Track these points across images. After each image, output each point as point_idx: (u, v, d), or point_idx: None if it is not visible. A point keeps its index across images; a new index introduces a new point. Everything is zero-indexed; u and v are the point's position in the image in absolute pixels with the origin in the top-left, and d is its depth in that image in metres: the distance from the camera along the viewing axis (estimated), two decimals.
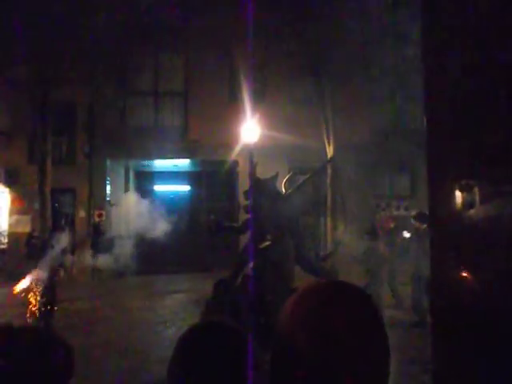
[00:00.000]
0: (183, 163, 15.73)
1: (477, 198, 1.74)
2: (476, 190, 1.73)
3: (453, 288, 1.72)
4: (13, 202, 14.57)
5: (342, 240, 10.02)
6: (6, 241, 14.63)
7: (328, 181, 11.07)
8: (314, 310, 0.82)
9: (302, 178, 7.45)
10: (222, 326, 1.14)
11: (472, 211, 1.72)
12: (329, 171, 10.95)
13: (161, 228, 13.43)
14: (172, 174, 16.31)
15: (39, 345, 1.16)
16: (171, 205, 15.95)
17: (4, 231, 14.88)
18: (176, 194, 16.97)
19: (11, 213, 14.59)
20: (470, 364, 1.70)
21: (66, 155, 14.69)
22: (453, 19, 1.65)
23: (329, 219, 11.15)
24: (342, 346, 0.78)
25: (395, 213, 13.84)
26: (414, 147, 12.04)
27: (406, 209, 13.88)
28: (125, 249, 14.20)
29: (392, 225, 12.08)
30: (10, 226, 14.57)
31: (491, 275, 1.69)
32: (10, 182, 14.41)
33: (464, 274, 1.74)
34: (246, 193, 7.03)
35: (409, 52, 9.59)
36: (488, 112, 1.65)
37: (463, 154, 1.74)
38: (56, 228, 12.92)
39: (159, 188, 17.54)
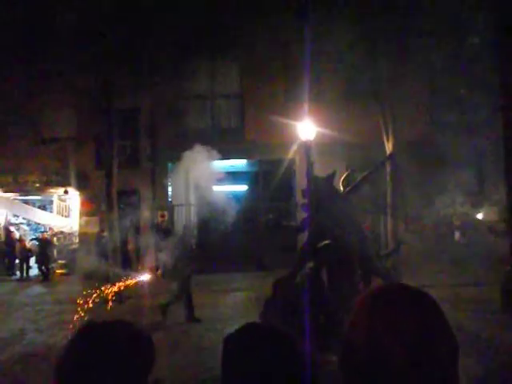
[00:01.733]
0: (241, 163, 15.94)
1: None
2: None
3: None
4: (82, 204, 15.45)
5: (403, 239, 9.72)
6: (77, 240, 15.54)
7: (388, 178, 10.79)
8: (377, 314, 0.84)
9: (360, 176, 7.31)
10: (267, 330, 1.14)
11: None
12: (388, 168, 10.65)
13: (221, 227, 13.74)
14: (230, 174, 16.56)
15: (129, 337, 1.20)
16: (229, 205, 16.24)
17: (75, 231, 15.81)
18: (234, 194, 17.22)
19: (81, 214, 15.47)
20: None
21: (130, 159, 15.35)
22: None
23: (389, 217, 10.84)
24: (404, 346, 0.79)
25: (460, 209, 13.22)
26: (481, 141, 11.45)
27: (473, 205, 13.22)
28: (186, 248, 14.64)
29: (457, 222, 11.59)
30: (81, 226, 15.45)
31: None
32: (80, 186, 15.27)
33: None
34: (303, 191, 7.01)
35: (473, 39, 9.13)
36: None
37: None
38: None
39: (218, 188, 17.87)
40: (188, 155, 13.97)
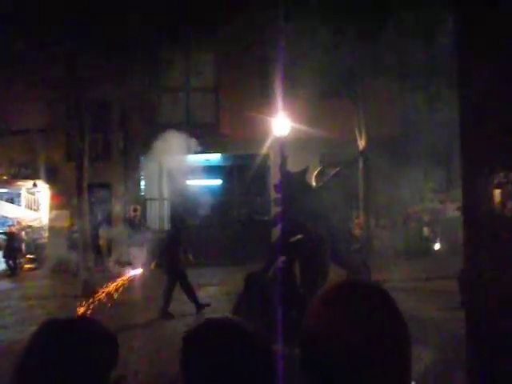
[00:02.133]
0: (215, 158, 15.89)
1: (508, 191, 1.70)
2: (510, 183, 1.70)
3: (486, 285, 1.69)
4: (52, 197, 15.12)
5: (373, 233, 9.90)
6: (47, 235, 15.21)
7: (360, 174, 10.95)
8: (334, 308, 0.86)
9: (332, 172, 7.40)
10: (226, 326, 1.13)
11: (507, 205, 1.69)
12: (360, 164, 10.81)
13: (193, 222, 13.66)
14: (204, 168, 16.50)
15: (92, 335, 1.19)
16: (203, 199, 16.20)
17: (45, 225, 15.47)
18: (208, 188, 17.16)
19: (51, 208, 15.15)
20: (505, 363, 1.68)
21: (102, 152, 15.09)
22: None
23: (361, 213, 11.02)
24: (361, 339, 0.82)
25: (430, 205, 13.55)
26: (450, 139, 11.74)
27: (441, 202, 13.56)
28: (158, 242, 14.52)
29: (426, 218, 11.86)
30: (50, 220, 15.12)
31: None
32: (50, 179, 14.93)
33: (498, 271, 1.71)
34: (276, 186, 7.06)
35: (442, 41, 9.34)
36: None
37: (498, 146, 1.71)
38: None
39: (192, 183, 17.78)
40: (161, 149, 13.87)
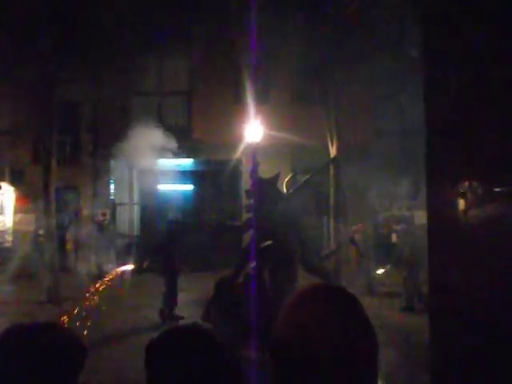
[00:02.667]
0: (187, 162, 15.78)
1: (475, 201, 1.75)
2: (474, 193, 1.75)
3: (450, 290, 1.74)
4: (17, 200, 14.68)
5: (343, 240, 10.03)
6: (11, 239, 14.74)
7: (331, 181, 11.07)
8: (305, 311, 0.87)
9: (303, 178, 7.46)
10: (190, 333, 1.13)
11: (470, 214, 1.74)
12: (331, 171, 10.95)
13: (163, 227, 13.49)
14: (176, 173, 16.36)
15: (54, 342, 1.17)
16: (174, 204, 16.05)
17: (8, 229, 14.99)
18: (179, 193, 17.02)
19: (16, 211, 14.70)
20: (468, 363, 1.72)
21: (70, 155, 14.77)
22: (451, 36, 1.67)
23: (331, 219, 11.14)
24: (331, 343, 0.82)
25: (397, 213, 13.82)
26: (418, 147, 12.04)
27: (409, 209, 13.85)
28: (127, 247, 14.31)
29: (395, 225, 12.08)
30: (15, 224, 14.67)
31: (489, 277, 1.70)
32: (15, 181, 14.51)
33: (461, 277, 1.76)
34: (247, 192, 7.06)
35: (412, 53, 9.59)
36: (485, 117, 1.67)
37: (461, 157, 1.76)
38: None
39: (163, 187, 17.60)
40: (132, 152, 13.68)
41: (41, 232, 12.86)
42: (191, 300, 9.56)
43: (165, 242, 8.88)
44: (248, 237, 7.34)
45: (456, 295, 1.69)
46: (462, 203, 1.66)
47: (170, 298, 8.43)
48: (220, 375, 1.05)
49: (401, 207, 14.38)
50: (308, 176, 7.46)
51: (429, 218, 1.80)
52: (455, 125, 1.71)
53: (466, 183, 1.62)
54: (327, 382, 0.82)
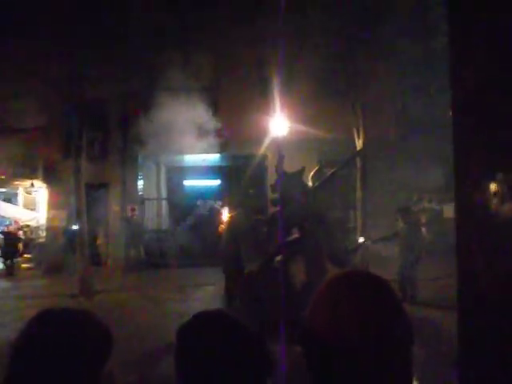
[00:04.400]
0: (213, 158, 15.89)
1: (504, 192, 1.70)
2: (503, 184, 1.70)
3: (478, 279, 1.70)
4: (50, 197, 15.07)
5: (370, 234, 9.90)
6: (44, 235, 15.17)
7: (357, 174, 10.95)
8: (338, 299, 0.86)
9: (329, 172, 7.40)
10: (220, 318, 1.13)
11: (498, 205, 1.69)
12: (358, 164, 10.82)
13: (191, 222, 13.62)
14: (201, 168, 16.51)
15: (83, 327, 1.20)
16: (201, 199, 16.21)
17: (42, 225, 15.43)
18: (206, 188, 17.16)
19: (49, 208, 15.10)
20: (495, 351, 1.68)
21: (100, 151, 15.06)
22: (479, 24, 1.62)
23: (358, 212, 11.02)
24: (365, 331, 0.81)
25: (427, 206, 13.56)
26: (449, 139, 11.75)
27: (439, 202, 13.57)
28: (156, 242, 14.54)
29: (424, 218, 11.86)
30: (48, 220, 15.08)
31: None
32: (47, 178, 14.89)
33: (489, 267, 1.72)
34: (272, 186, 7.06)
35: (440, 43, 9.35)
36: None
37: (487, 149, 1.71)
38: None
39: (190, 183, 17.79)
40: (160, 149, 13.86)
41: (72, 227, 13.21)
42: (220, 293, 9.63)
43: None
44: (275, 231, 7.33)
45: (482, 284, 1.65)
46: (490, 195, 1.61)
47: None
48: (248, 361, 1.05)
49: (430, 200, 14.10)
50: (334, 169, 7.39)
51: (456, 210, 1.76)
52: (485, 110, 1.65)
53: (499, 174, 1.57)
54: (360, 369, 0.81)
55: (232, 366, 1.04)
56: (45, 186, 15.17)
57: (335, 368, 0.82)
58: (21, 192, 16.16)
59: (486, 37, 1.52)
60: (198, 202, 15.76)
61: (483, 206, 1.64)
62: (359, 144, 11.53)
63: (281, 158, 7.49)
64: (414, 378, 0.87)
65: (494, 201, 1.62)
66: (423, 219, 12.08)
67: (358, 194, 10.66)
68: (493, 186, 1.64)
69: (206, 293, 10.27)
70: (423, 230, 12.68)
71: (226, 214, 8.72)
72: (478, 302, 1.71)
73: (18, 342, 1.17)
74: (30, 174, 14.81)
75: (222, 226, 8.57)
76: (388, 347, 0.81)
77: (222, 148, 14.62)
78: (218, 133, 14.22)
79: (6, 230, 14.70)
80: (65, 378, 1.12)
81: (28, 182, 15.20)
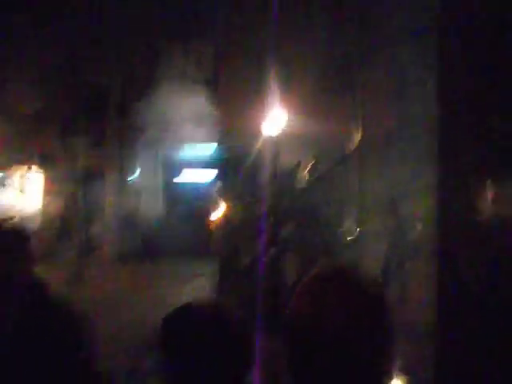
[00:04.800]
0: (211, 148, 15.87)
1: (488, 191, 1.69)
2: (487, 183, 1.69)
3: (458, 278, 1.69)
4: (46, 184, 15.04)
5: (366, 229, 9.92)
6: (40, 221, 15.15)
7: (355, 170, 10.95)
8: (317, 295, 0.86)
9: (325, 167, 7.40)
10: (207, 308, 1.14)
11: (483, 204, 1.68)
12: (355, 160, 10.82)
13: (185, 213, 13.65)
14: (199, 162, 16.49)
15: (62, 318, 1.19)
16: (197, 193, 16.19)
17: (37, 211, 15.40)
18: (202, 181, 17.14)
19: (44, 194, 15.08)
20: (473, 350, 1.68)
21: (97, 138, 15.01)
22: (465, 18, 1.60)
23: (354, 208, 11.02)
24: (346, 321, 0.82)
25: (422, 202, 13.57)
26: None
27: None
28: (152, 231, 14.55)
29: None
30: (43, 206, 15.06)
31: (498, 270, 1.66)
32: (44, 165, 14.86)
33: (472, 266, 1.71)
34: (268, 180, 7.05)
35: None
36: (499, 103, 1.60)
37: (471, 147, 1.70)
38: None
39: (186, 174, 17.77)
40: (158, 137, 13.83)
41: (67, 215, 13.21)
42: (212, 284, 9.65)
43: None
44: (270, 225, 7.33)
45: (466, 289, 1.65)
46: (474, 194, 1.60)
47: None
48: (233, 351, 1.05)
49: (427, 197, 14.10)
50: (330, 165, 7.39)
51: (438, 208, 1.76)
52: (471, 115, 1.64)
53: (478, 173, 1.56)
54: (341, 360, 0.81)
55: (217, 358, 1.04)
56: (41, 172, 15.13)
57: (315, 362, 0.82)
58: (16, 177, 16.10)
59: (474, 34, 1.50)
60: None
61: (466, 204, 1.64)
62: (356, 139, 11.53)
63: (277, 153, 7.48)
64: (396, 376, 0.87)
65: (480, 200, 1.61)
66: (418, 215, 12.08)
67: (355, 189, 10.67)
68: (480, 187, 1.63)
69: (199, 284, 10.28)
70: (419, 225, 12.72)
71: (221, 207, 8.68)
72: (458, 300, 1.71)
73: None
74: (27, 160, 14.77)
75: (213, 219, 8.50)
76: (369, 345, 0.82)
77: (219, 141, 14.61)
78: (216, 124, 14.21)
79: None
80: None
81: (24, 168, 15.17)
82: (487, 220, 1.59)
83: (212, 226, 8.53)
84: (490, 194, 1.58)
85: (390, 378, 0.86)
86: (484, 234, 1.59)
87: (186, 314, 1.12)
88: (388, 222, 8.17)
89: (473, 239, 1.61)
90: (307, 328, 0.83)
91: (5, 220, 14.86)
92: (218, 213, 8.66)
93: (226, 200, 8.60)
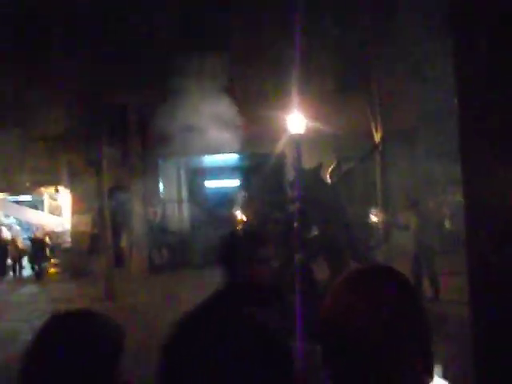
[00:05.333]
0: (232, 158, 15.95)
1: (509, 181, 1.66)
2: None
3: (487, 267, 1.67)
4: (74, 202, 15.39)
5: (391, 229, 9.78)
6: (70, 239, 15.50)
7: (377, 168, 10.84)
8: (354, 292, 0.86)
9: (348, 167, 7.35)
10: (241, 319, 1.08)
11: (506, 192, 1.66)
12: (377, 158, 10.70)
13: (213, 223, 13.70)
14: (221, 169, 16.60)
15: (95, 328, 1.22)
16: (222, 200, 16.28)
17: (67, 230, 15.77)
18: (227, 188, 17.22)
19: (73, 213, 15.42)
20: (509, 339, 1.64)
21: (120, 156, 15.30)
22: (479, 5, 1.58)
23: (378, 208, 10.90)
24: (380, 323, 0.81)
25: (450, 199, 13.31)
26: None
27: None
28: (180, 244, 14.66)
29: (447, 211, 11.65)
30: (72, 225, 15.40)
31: None
32: (71, 184, 15.21)
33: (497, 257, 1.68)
34: (291, 184, 7.04)
35: None
36: None
37: (493, 136, 1.67)
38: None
39: (209, 184, 17.91)
40: (179, 151, 13.98)
41: (96, 231, 13.45)
42: None
43: None
44: (295, 228, 7.31)
45: (494, 275, 1.62)
46: (497, 184, 1.57)
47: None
48: (274, 362, 0.99)
49: (454, 193, 13.83)
50: (351, 165, 7.34)
51: (465, 199, 1.73)
52: (488, 92, 1.61)
53: (501, 163, 1.54)
54: (375, 363, 0.80)
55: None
56: (68, 191, 15.49)
57: (351, 362, 0.82)
58: (46, 198, 16.54)
59: (489, 27, 1.49)
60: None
61: (491, 192, 1.61)
62: (377, 137, 11.42)
63: (298, 155, 7.47)
64: (435, 374, 0.86)
65: (504, 187, 1.59)
66: (447, 212, 11.88)
67: (378, 188, 10.55)
68: (507, 182, 1.60)
69: None
70: (447, 222, 12.49)
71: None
72: (489, 289, 1.68)
73: (31, 347, 1.20)
74: (54, 181, 15.15)
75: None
76: (405, 343, 0.81)
77: (241, 147, 14.67)
78: (236, 132, 14.28)
79: (33, 236, 15.07)
80: (75, 381, 1.15)
81: (52, 188, 15.55)
82: None
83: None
84: None
85: (431, 377, 0.84)
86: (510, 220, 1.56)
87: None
88: (411, 219, 8.03)
89: (501, 234, 1.59)
90: (343, 328, 0.82)
91: (45, 234, 15.28)
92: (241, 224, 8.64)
93: (247, 214, 8.55)
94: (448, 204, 13.13)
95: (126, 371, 1.26)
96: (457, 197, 13.55)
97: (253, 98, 14.02)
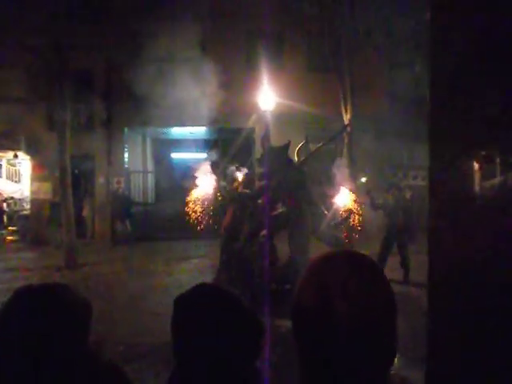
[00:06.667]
0: (199, 131, 15.75)
1: (477, 168, 1.73)
2: (477, 160, 1.72)
3: (447, 255, 1.74)
4: (34, 169, 14.87)
5: (354, 208, 9.98)
6: (29, 207, 15.04)
7: (344, 149, 10.98)
8: (325, 275, 0.88)
9: (315, 147, 7.40)
10: (216, 290, 1.16)
11: (471, 181, 1.72)
12: (345, 140, 10.84)
13: (176, 195, 13.57)
14: (188, 141, 16.38)
15: (62, 301, 1.20)
16: (187, 172, 16.11)
17: (26, 197, 15.28)
18: (192, 161, 17.03)
19: (33, 180, 14.92)
20: (463, 326, 1.73)
21: (84, 123, 14.83)
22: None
23: (343, 188, 11.07)
24: (351, 305, 0.83)
25: (412, 182, 13.70)
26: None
27: (424, 179, 13.71)
28: (142, 215, 14.50)
29: (408, 195, 11.96)
30: (32, 192, 14.92)
31: (488, 246, 1.70)
32: (31, 150, 14.66)
33: (460, 244, 1.75)
34: (258, 160, 7.05)
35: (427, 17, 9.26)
36: (488, 78, 1.63)
37: (462, 125, 1.72)
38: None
39: (176, 156, 17.69)
40: (145, 120, 13.67)
41: (57, 199, 13.09)
42: (206, 266, 9.73)
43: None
44: (260, 205, 7.35)
45: (454, 263, 1.69)
46: (463, 171, 1.63)
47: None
48: (244, 334, 1.08)
49: (415, 177, 14.23)
50: (319, 144, 7.39)
51: (430, 185, 1.78)
52: (464, 86, 1.65)
53: (470, 149, 1.59)
54: (348, 344, 0.83)
55: (228, 335, 1.07)
56: (28, 157, 14.94)
57: (322, 344, 0.84)
58: (4, 163, 15.91)
59: (464, 18, 1.52)
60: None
61: (456, 181, 1.66)
62: (346, 119, 11.53)
63: (267, 132, 7.46)
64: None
65: (472, 177, 1.64)
66: (408, 196, 12.21)
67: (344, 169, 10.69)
68: (473, 163, 1.65)
69: (192, 265, 10.35)
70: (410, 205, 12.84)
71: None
72: (447, 277, 1.75)
73: None
74: (13, 146, 14.55)
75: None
76: (373, 323, 0.84)
77: (209, 120, 14.48)
78: (205, 105, 14.06)
79: None
80: (46, 351, 1.14)
81: (11, 154, 14.95)
82: (479, 202, 1.63)
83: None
84: (480, 176, 1.61)
85: (394, 357, 0.87)
86: (474, 215, 1.62)
87: (197, 294, 1.15)
88: (388, 202, 8.29)
89: (463, 221, 1.65)
90: (315, 314, 0.85)
91: (2, 201, 14.73)
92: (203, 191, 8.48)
93: (215, 173, 8.42)
94: (409, 188, 13.51)
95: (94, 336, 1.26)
96: (418, 181, 13.96)
97: (224, 72, 13.79)
